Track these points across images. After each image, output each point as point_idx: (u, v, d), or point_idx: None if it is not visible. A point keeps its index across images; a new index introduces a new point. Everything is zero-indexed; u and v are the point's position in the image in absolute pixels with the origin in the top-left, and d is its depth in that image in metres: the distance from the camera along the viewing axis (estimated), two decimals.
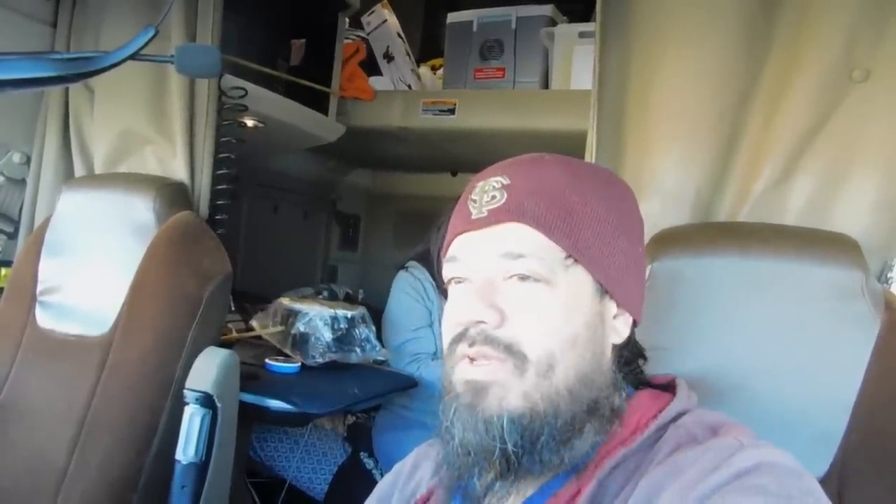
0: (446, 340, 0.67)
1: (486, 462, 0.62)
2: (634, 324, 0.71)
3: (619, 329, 0.68)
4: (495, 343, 0.62)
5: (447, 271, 0.69)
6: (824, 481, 0.83)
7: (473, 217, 0.66)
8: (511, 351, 0.62)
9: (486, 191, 0.66)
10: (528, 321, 0.63)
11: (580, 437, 0.63)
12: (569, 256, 0.64)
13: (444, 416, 0.65)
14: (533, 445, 0.61)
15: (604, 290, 0.66)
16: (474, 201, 0.67)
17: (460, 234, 0.68)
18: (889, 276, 0.98)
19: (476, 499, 0.67)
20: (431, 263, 1.85)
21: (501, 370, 0.62)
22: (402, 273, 1.92)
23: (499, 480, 0.63)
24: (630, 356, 0.71)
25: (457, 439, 0.63)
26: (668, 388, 0.71)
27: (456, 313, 0.66)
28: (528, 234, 0.64)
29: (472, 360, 0.63)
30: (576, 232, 0.65)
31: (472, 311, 0.63)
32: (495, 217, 0.65)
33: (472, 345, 0.63)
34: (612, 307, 0.68)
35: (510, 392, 0.62)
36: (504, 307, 0.63)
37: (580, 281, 0.65)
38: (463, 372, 0.64)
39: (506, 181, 0.66)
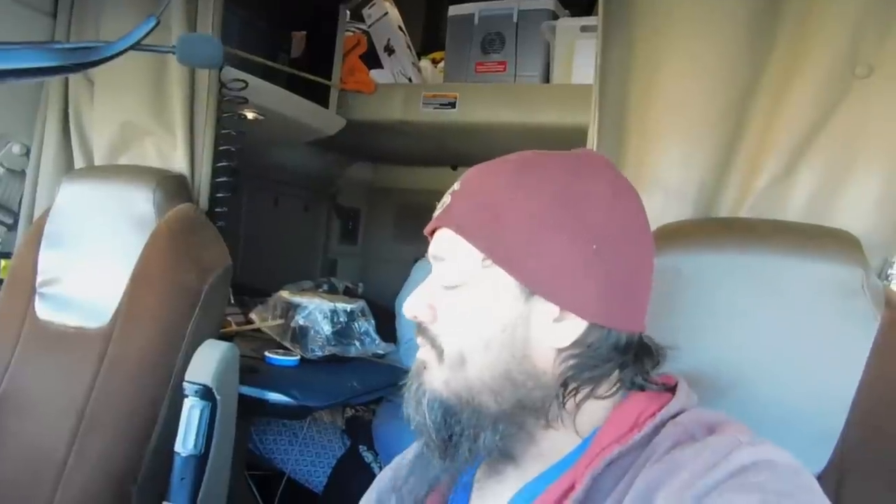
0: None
1: (425, 439, 0.68)
2: (602, 328, 0.65)
3: (561, 332, 0.64)
4: (426, 335, 0.69)
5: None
6: (822, 478, 0.84)
7: (433, 220, 0.71)
8: (434, 344, 0.68)
9: (445, 196, 0.71)
10: (446, 322, 0.68)
11: (523, 432, 0.66)
12: (486, 258, 0.65)
13: None
14: (461, 428, 0.65)
15: (531, 292, 0.64)
16: (439, 205, 0.71)
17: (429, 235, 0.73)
18: (890, 272, 0.98)
19: (465, 489, 0.70)
20: None
21: (430, 355, 0.68)
22: (422, 261, 1.90)
23: (440, 460, 0.68)
24: (589, 362, 0.65)
25: (406, 416, 0.70)
26: (668, 387, 0.71)
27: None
28: (450, 238, 0.67)
29: None
30: (496, 234, 0.65)
31: (412, 308, 0.70)
32: (436, 222, 0.69)
33: (417, 335, 0.70)
34: (548, 308, 0.64)
35: (434, 375, 0.67)
36: (436, 306, 0.68)
37: (499, 283, 0.65)
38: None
39: (457, 187, 0.70)
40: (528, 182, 0.66)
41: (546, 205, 0.65)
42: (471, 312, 0.66)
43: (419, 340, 0.70)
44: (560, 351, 0.65)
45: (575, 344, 0.65)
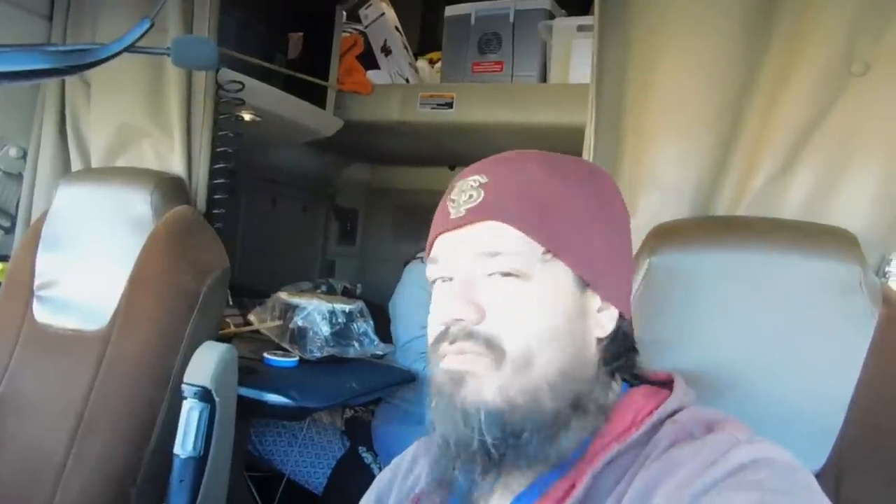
0: (430, 340, 0.68)
1: (466, 455, 0.62)
2: (622, 317, 0.69)
3: (604, 323, 0.68)
4: (475, 338, 0.63)
5: (430, 272, 0.70)
6: (821, 476, 0.84)
7: (452, 217, 0.66)
8: (490, 345, 0.62)
9: (465, 190, 0.67)
10: (506, 317, 0.63)
11: (567, 432, 0.63)
12: (547, 251, 0.64)
13: (428, 411, 0.66)
14: (517, 440, 0.61)
15: (585, 284, 0.66)
16: (453, 201, 0.67)
17: (440, 234, 0.68)
18: (887, 270, 0.98)
19: (465, 494, 0.67)
20: None
21: (478, 363, 0.62)
22: (416, 264, 1.89)
23: (482, 475, 0.63)
24: (619, 350, 0.70)
25: (438, 432, 0.64)
26: (666, 384, 0.71)
27: (438, 313, 0.67)
28: (504, 231, 0.64)
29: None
30: (553, 226, 0.65)
31: (452, 310, 0.64)
32: (472, 216, 0.65)
33: (452, 342, 0.64)
34: (595, 301, 0.67)
35: (485, 383, 0.62)
36: (483, 304, 0.63)
37: (559, 275, 0.65)
38: (442, 363, 0.65)
39: (483, 179, 0.66)
40: (568, 178, 0.68)
41: (591, 200, 0.68)
42: (538, 305, 0.64)
43: (459, 347, 0.63)
44: (600, 341, 0.68)
45: (610, 333, 0.68)
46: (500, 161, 0.69)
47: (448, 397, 0.63)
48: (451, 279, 0.67)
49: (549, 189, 0.66)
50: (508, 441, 0.61)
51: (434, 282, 0.70)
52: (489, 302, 0.63)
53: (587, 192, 0.68)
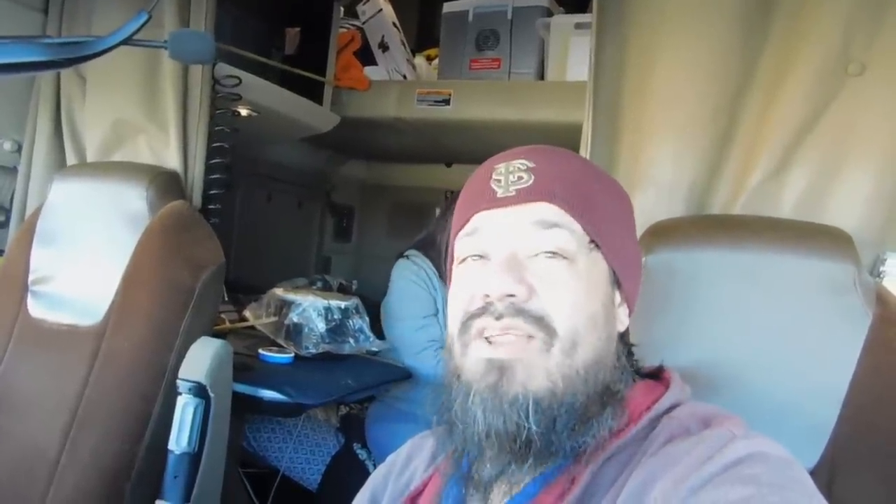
0: (459, 317, 0.65)
1: (508, 445, 0.60)
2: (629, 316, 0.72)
3: (622, 318, 0.71)
4: (526, 315, 0.61)
5: (465, 246, 0.68)
6: (814, 473, 0.84)
7: (499, 195, 0.66)
8: (542, 324, 0.61)
9: (511, 172, 0.67)
10: (555, 296, 0.62)
11: (597, 421, 0.62)
12: (591, 241, 0.66)
13: (457, 401, 0.63)
14: (551, 428, 0.60)
15: (615, 279, 0.69)
16: (498, 181, 0.67)
17: (482, 210, 0.67)
18: (881, 269, 0.99)
19: (476, 487, 0.66)
20: (438, 251, 1.82)
21: (526, 348, 0.61)
22: (402, 261, 1.89)
23: (514, 464, 0.62)
24: (628, 347, 0.73)
25: (480, 424, 0.61)
26: (661, 379, 0.71)
27: (480, 287, 0.63)
28: (556, 212, 0.65)
29: (488, 339, 0.62)
30: (597, 220, 0.67)
31: (503, 284, 0.61)
32: (525, 196, 0.65)
33: (499, 318, 0.61)
34: (617, 296, 0.70)
35: (535, 371, 0.61)
36: (532, 282, 0.62)
37: (598, 266, 0.67)
38: (480, 351, 0.63)
39: (530, 164, 0.67)
40: (601, 179, 0.72)
41: (618, 204, 0.72)
42: (585, 289, 0.64)
43: (506, 324, 0.61)
44: (620, 336, 0.70)
45: (625, 330, 0.71)
46: (540, 151, 0.70)
47: (491, 388, 0.61)
48: (485, 256, 0.66)
49: (589, 185, 0.69)
50: (545, 430, 0.60)
51: (464, 259, 0.68)
52: (539, 280, 0.62)
53: (614, 195, 0.72)
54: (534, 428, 0.59)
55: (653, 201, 1.07)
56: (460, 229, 0.69)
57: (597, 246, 0.66)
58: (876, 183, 0.98)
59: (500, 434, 0.60)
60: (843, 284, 0.89)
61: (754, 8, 1.02)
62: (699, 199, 1.07)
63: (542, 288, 0.62)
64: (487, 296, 0.62)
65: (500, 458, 0.62)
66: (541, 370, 0.61)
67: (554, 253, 0.64)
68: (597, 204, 0.68)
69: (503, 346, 0.61)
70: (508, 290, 0.61)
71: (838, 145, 0.99)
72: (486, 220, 0.66)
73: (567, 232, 0.64)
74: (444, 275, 1.79)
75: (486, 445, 0.62)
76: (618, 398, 0.65)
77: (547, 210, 0.65)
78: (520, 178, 0.66)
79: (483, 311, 0.63)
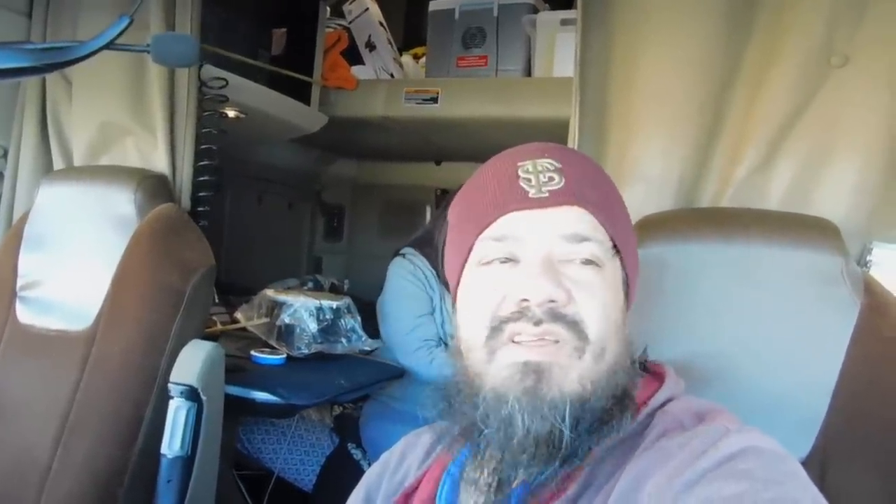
0: (486, 321, 0.63)
1: (545, 448, 0.60)
2: None
3: (627, 322, 0.71)
4: (562, 321, 0.61)
5: (491, 248, 0.66)
6: (806, 464, 0.84)
7: (531, 196, 0.64)
8: (576, 329, 0.61)
9: (542, 171, 0.65)
10: (590, 302, 0.62)
11: (616, 423, 0.62)
12: (614, 247, 0.66)
13: (484, 407, 0.62)
14: (576, 429, 0.60)
15: (627, 283, 0.69)
16: (528, 180, 0.65)
17: (513, 211, 0.65)
18: (868, 259, 0.99)
19: (476, 485, 0.67)
20: (436, 249, 1.80)
21: (561, 352, 0.61)
22: (399, 259, 1.88)
23: (543, 466, 0.61)
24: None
25: (519, 428, 0.60)
26: (656, 374, 0.72)
27: (515, 290, 0.62)
28: (588, 219, 0.65)
29: (517, 343, 0.61)
30: (617, 225, 0.67)
31: (543, 290, 0.61)
32: (557, 198, 0.64)
33: (537, 323, 0.61)
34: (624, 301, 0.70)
35: (570, 373, 0.60)
36: (569, 287, 0.62)
37: (618, 273, 0.67)
38: (514, 355, 0.61)
39: (557, 164, 0.66)
40: (610, 182, 0.72)
41: (623, 203, 0.72)
42: (612, 295, 0.65)
43: (545, 329, 0.60)
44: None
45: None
46: (561, 150, 0.70)
47: (530, 391, 0.60)
48: (514, 260, 0.64)
49: (607, 187, 0.70)
50: (575, 432, 0.60)
51: (491, 262, 0.66)
52: (575, 285, 0.62)
53: (619, 196, 0.72)
54: (566, 431, 0.59)
55: (642, 196, 1.07)
56: (484, 228, 0.66)
57: (617, 252, 0.66)
58: (861, 173, 0.99)
59: (538, 437, 0.59)
60: (830, 275, 0.90)
61: (738, 2, 1.03)
62: (688, 193, 1.08)
63: (579, 294, 0.62)
64: (525, 300, 0.61)
65: (536, 460, 0.61)
66: (574, 374, 0.61)
67: (588, 260, 0.64)
68: (615, 207, 0.69)
69: (536, 349, 0.61)
70: (550, 296, 0.61)
71: (823, 137, 1.00)
72: (519, 222, 0.64)
73: (596, 243, 0.64)
74: (440, 273, 1.79)
75: (523, 449, 0.60)
76: (632, 399, 0.65)
77: (578, 215, 0.64)
78: (550, 178, 0.64)
79: (520, 315, 0.61)
